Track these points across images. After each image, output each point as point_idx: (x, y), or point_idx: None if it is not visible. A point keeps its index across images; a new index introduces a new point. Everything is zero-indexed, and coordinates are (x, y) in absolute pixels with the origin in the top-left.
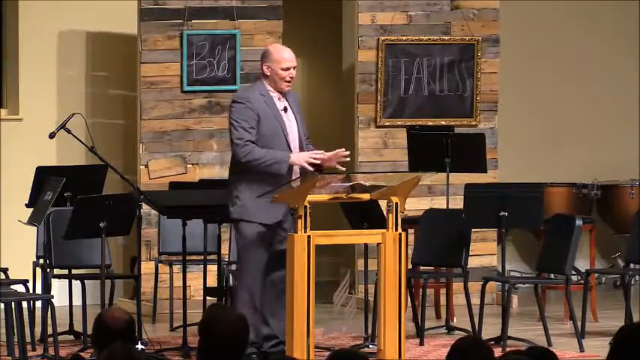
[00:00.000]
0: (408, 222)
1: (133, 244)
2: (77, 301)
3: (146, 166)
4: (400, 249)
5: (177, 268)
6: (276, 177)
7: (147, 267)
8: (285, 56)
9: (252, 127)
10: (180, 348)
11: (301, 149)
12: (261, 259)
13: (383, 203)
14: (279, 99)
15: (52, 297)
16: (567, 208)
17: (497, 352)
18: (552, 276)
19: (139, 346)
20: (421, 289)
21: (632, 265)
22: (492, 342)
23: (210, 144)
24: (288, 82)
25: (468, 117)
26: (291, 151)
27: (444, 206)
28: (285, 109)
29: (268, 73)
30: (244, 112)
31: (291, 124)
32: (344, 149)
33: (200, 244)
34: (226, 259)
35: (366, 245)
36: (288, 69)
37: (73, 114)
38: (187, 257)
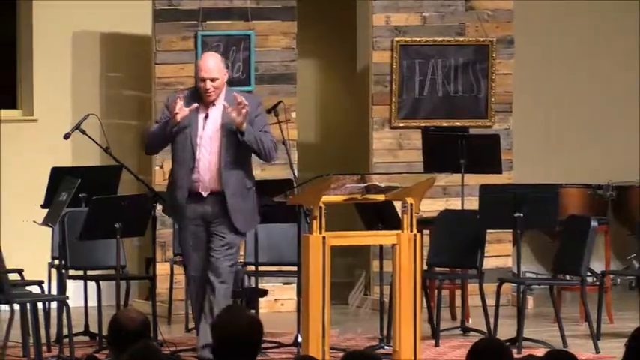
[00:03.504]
0: (423, 223)
1: (147, 245)
2: (92, 302)
3: (161, 166)
4: (415, 250)
5: None
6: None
7: (162, 268)
8: (202, 65)
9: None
10: (195, 349)
11: (222, 156)
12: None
13: (398, 204)
14: (205, 105)
15: (68, 298)
16: (582, 209)
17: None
18: (567, 277)
19: None
20: (436, 290)
21: None
22: (508, 343)
23: None
24: (205, 92)
25: (483, 118)
26: (194, 155)
27: (459, 207)
28: (207, 117)
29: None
30: (163, 110)
31: (210, 132)
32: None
33: None
34: (241, 261)
35: (381, 246)
36: (203, 79)
37: (88, 115)
38: None
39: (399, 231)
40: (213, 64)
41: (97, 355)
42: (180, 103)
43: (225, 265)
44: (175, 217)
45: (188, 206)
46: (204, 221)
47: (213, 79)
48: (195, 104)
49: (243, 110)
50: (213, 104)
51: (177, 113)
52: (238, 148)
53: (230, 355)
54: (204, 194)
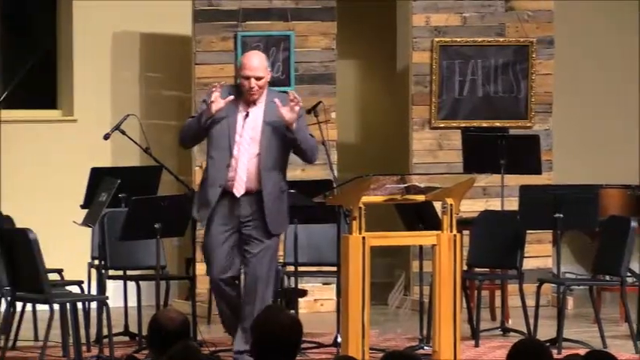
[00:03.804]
0: (463, 223)
1: (187, 245)
2: (132, 302)
3: (200, 167)
4: (455, 250)
5: None
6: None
7: (202, 268)
8: (247, 63)
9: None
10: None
11: (262, 156)
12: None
13: (438, 205)
14: (246, 103)
15: (107, 298)
16: (622, 209)
17: (553, 354)
18: (607, 278)
19: None
20: (476, 291)
21: None
22: (548, 344)
23: None
24: (249, 91)
25: (523, 118)
26: (231, 155)
27: (499, 208)
28: (247, 115)
29: (238, 78)
30: (201, 105)
31: (250, 132)
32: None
33: None
34: (281, 261)
35: (420, 247)
36: (247, 77)
37: (128, 115)
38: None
39: (439, 231)
40: (258, 63)
41: (136, 355)
42: (216, 94)
43: (264, 269)
44: (202, 216)
45: (219, 205)
46: (234, 222)
47: (258, 78)
48: (232, 97)
49: (297, 107)
50: (254, 104)
51: (212, 103)
52: (278, 149)
53: (270, 356)
54: (238, 194)
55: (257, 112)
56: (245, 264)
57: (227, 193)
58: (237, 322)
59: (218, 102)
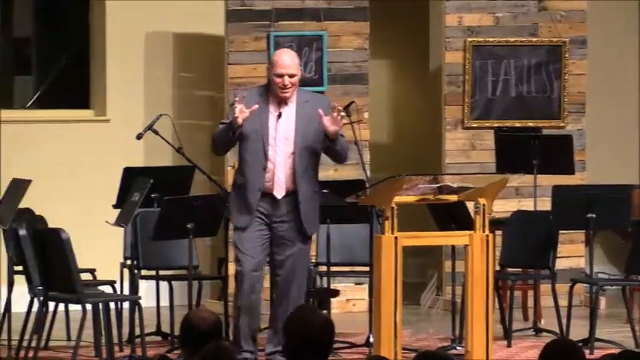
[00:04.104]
0: (496, 223)
1: (220, 245)
2: (164, 302)
3: (233, 167)
4: (488, 250)
5: None
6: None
7: (234, 268)
8: (280, 61)
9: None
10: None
11: (296, 157)
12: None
13: (470, 205)
14: (277, 104)
15: (140, 298)
16: None
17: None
18: None
19: None
20: (509, 291)
21: None
22: (580, 344)
23: None
24: (283, 88)
25: (556, 118)
26: (266, 157)
27: (532, 208)
28: (280, 116)
29: (269, 77)
30: (230, 108)
31: (284, 132)
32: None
33: None
34: (313, 261)
35: (453, 247)
36: (281, 75)
37: (161, 115)
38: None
39: (472, 231)
40: (291, 60)
41: (168, 355)
42: (240, 106)
43: (299, 271)
44: (242, 222)
45: (258, 207)
46: (269, 222)
47: (291, 76)
48: (256, 106)
49: (341, 120)
50: (286, 103)
51: (236, 117)
52: (312, 148)
53: (302, 356)
54: (279, 196)
55: (289, 112)
56: (278, 265)
57: (265, 195)
58: (254, 323)
59: (243, 113)
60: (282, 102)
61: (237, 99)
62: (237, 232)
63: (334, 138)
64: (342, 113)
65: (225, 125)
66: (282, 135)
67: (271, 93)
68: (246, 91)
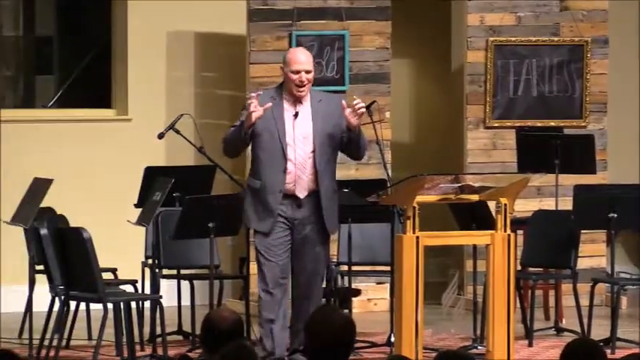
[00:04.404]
0: (517, 223)
1: (241, 245)
2: (186, 301)
3: None
4: (509, 250)
5: None
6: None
7: (255, 267)
8: (295, 58)
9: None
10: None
11: (316, 156)
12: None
13: (492, 204)
14: (293, 103)
15: (161, 297)
16: None
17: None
18: None
19: None
20: (530, 291)
21: None
22: (601, 343)
23: None
24: (299, 86)
25: (577, 118)
26: (285, 157)
27: (553, 207)
28: (296, 115)
29: (283, 76)
30: (242, 112)
31: (301, 132)
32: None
33: None
34: (334, 260)
35: (474, 246)
36: (297, 72)
37: (182, 114)
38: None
39: (493, 231)
40: (305, 57)
41: (189, 354)
42: (255, 102)
43: (321, 270)
44: (264, 227)
45: (280, 210)
46: (291, 224)
47: (307, 72)
48: (269, 104)
49: (360, 112)
50: (300, 102)
51: (251, 113)
52: (330, 146)
53: (323, 355)
54: (302, 196)
55: (305, 110)
56: (299, 267)
57: (286, 196)
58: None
59: (257, 110)
60: (297, 101)
61: (250, 101)
62: (259, 237)
63: (357, 130)
64: (361, 104)
65: (237, 126)
66: (300, 134)
67: (286, 92)
68: (259, 91)
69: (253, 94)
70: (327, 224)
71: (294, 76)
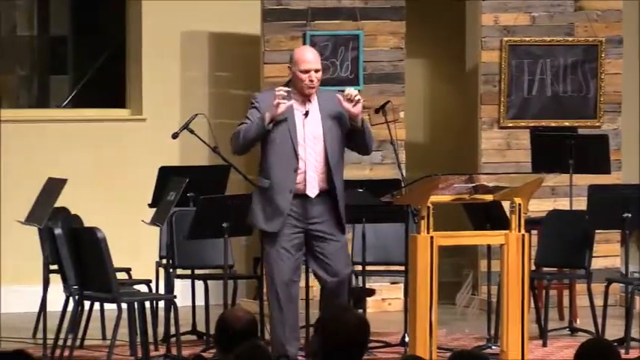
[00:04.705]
0: (531, 223)
1: (255, 244)
2: (200, 301)
3: None
4: (523, 250)
5: None
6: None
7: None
8: (304, 57)
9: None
10: (302, 348)
11: (328, 154)
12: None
13: (506, 204)
14: (302, 102)
15: (175, 297)
16: None
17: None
18: None
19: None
20: (544, 291)
21: None
22: (615, 343)
23: None
24: (309, 85)
25: (592, 118)
26: (297, 158)
27: (567, 207)
28: (307, 114)
29: (290, 76)
30: (250, 110)
31: (312, 131)
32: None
33: None
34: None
35: (489, 246)
36: (307, 71)
37: (196, 114)
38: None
39: (507, 231)
40: (314, 56)
41: (204, 354)
42: (280, 93)
43: (345, 267)
44: (274, 226)
45: (290, 210)
46: (303, 223)
47: (316, 71)
48: (292, 100)
49: (356, 99)
50: (309, 101)
51: (278, 104)
52: (340, 144)
53: (337, 355)
54: (312, 195)
55: (314, 109)
56: (321, 264)
57: (297, 195)
58: (295, 333)
59: (282, 104)
60: (305, 100)
61: (255, 100)
62: (268, 237)
63: (357, 120)
64: (358, 96)
65: (253, 123)
66: (310, 134)
67: (294, 92)
68: (266, 92)
69: (259, 98)
70: (342, 221)
71: (304, 76)
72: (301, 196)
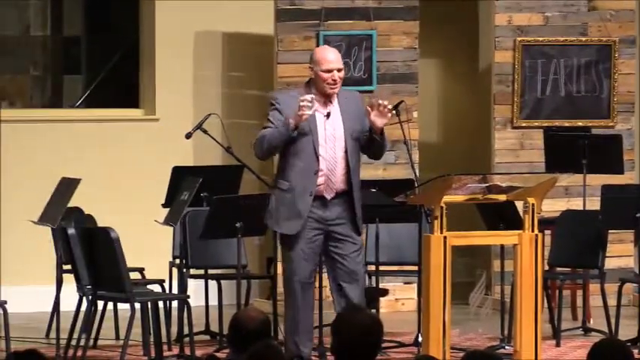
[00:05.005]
0: (545, 223)
1: (269, 244)
2: (213, 301)
3: None
4: (537, 250)
5: None
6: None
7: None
8: (326, 57)
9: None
10: (315, 348)
11: (348, 156)
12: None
13: (519, 204)
14: (323, 103)
15: (189, 297)
16: None
17: (634, 353)
18: None
19: None
20: (557, 291)
21: None
22: (629, 344)
23: None
24: (332, 84)
25: (605, 118)
26: (318, 160)
27: (581, 207)
28: (328, 115)
29: (312, 76)
30: (272, 112)
31: (333, 132)
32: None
33: None
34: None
35: (502, 246)
36: (330, 71)
37: (210, 114)
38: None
39: (521, 231)
40: (335, 56)
41: (217, 354)
42: (310, 96)
43: (362, 270)
44: (292, 228)
45: (310, 212)
46: (322, 225)
47: (339, 70)
48: (316, 105)
49: (388, 113)
50: (330, 102)
51: (304, 107)
52: (357, 146)
53: (350, 355)
54: (329, 197)
55: (335, 110)
56: (337, 265)
57: (316, 197)
58: (309, 333)
59: (307, 109)
60: (327, 101)
61: (275, 101)
62: (288, 239)
63: (381, 133)
64: (389, 106)
65: (278, 127)
66: (331, 134)
67: (316, 92)
68: (284, 92)
69: (279, 98)
70: (359, 224)
71: (327, 75)
72: (320, 198)
